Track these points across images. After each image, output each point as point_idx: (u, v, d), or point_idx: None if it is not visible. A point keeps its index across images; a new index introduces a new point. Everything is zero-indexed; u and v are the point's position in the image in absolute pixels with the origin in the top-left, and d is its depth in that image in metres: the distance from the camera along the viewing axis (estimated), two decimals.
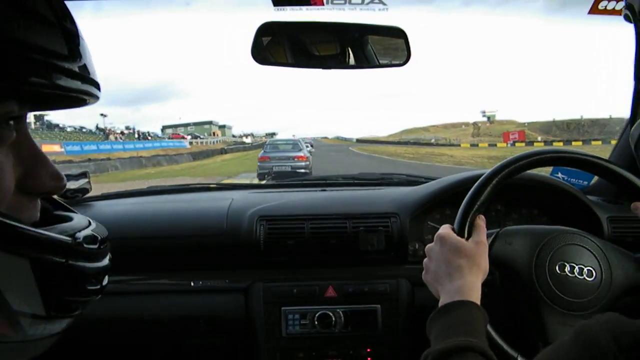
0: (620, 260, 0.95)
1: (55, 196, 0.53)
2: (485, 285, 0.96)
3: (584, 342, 0.42)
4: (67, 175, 1.42)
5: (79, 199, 1.44)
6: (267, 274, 1.28)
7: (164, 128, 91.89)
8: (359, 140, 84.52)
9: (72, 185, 1.41)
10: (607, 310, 0.93)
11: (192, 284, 1.27)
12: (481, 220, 0.90)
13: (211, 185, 1.74)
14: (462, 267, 0.81)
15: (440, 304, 0.80)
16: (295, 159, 13.71)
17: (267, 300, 1.24)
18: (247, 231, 1.27)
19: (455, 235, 0.87)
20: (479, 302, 0.78)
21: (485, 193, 0.93)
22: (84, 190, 1.44)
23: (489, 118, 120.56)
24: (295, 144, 15.60)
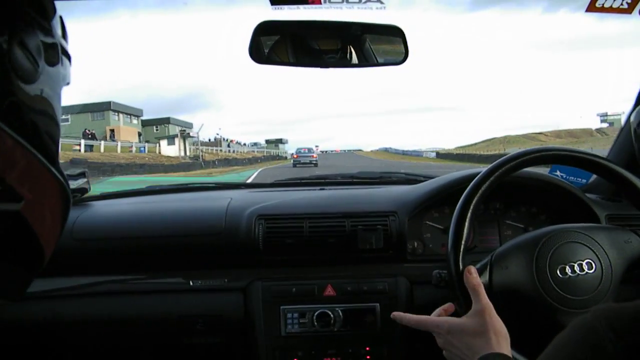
0: (610, 239, 0.96)
1: None
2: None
3: (582, 334, 0.42)
4: (66, 175, 1.43)
5: (78, 198, 1.44)
6: (266, 273, 1.28)
7: None
8: (440, 155, 48.84)
9: (71, 185, 1.41)
10: (622, 291, 0.94)
11: (190, 283, 1.27)
12: (474, 278, 0.86)
13: (210, 185, 1.74)
14: (477, 346, 0.77)
15: None
16: (311, 157, 31.18)
17: (266, 299, 1.24)
18: (245, 230, 1.27)
19: (454, 321, 0.83)
20: None
21: (484, 187, 0.94)
22: (83, 190, 1.44)
23: (611, 123, 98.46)
24: (310, 150, 33.85)
